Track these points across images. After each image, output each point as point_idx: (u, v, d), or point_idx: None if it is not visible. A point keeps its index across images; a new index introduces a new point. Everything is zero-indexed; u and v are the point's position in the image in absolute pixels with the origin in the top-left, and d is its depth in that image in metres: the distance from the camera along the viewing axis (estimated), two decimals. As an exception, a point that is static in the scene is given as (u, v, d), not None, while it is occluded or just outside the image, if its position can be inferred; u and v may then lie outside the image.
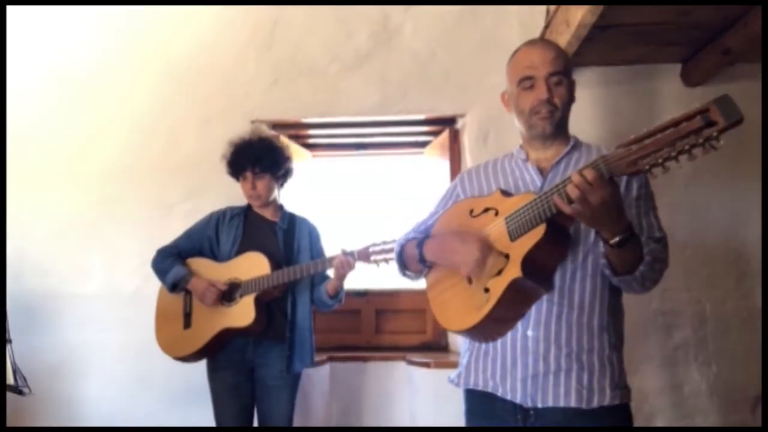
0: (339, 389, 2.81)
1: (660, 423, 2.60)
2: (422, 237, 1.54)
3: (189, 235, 2.38)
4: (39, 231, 2.92)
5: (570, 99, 1.46)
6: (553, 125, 1.44)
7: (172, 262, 2.28)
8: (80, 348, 2.83)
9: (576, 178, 1.12)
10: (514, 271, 1.25)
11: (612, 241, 1.21)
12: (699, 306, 2.66)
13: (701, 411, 2.62)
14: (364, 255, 2.19)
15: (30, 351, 2.42)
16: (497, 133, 2.78)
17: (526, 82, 1.44)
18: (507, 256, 1.28)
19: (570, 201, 1.15)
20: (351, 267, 2.19)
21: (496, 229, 1.34)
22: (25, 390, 1.88)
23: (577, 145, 1.50)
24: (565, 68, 1.44)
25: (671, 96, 2.71)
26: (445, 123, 2.99)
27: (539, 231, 1.23)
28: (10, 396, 1.87)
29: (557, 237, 1.27)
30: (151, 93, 2.95)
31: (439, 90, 2.86)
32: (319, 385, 2.73)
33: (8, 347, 1.86)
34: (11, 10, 2.94)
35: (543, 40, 1.51)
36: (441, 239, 1.48)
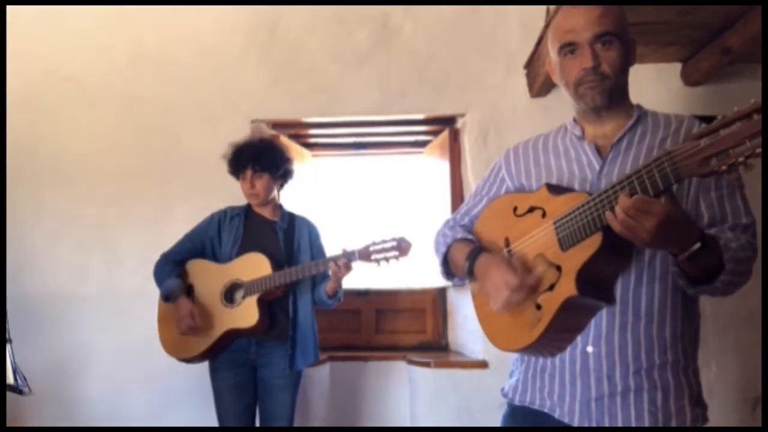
0: (339, 389, 2.81)
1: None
2: (475, 249, 1.30)
3: (190, 237, 2.38)
4: (39, 231, 2.92)
5: (625, 63, 1.23)
6: (604, 96, 1.21)
7: (170, 271, 2.29)
8: (80, 348, 2.83)
9: (623, 203, 0.96)
10: (567, 289, 1.08)
11: (681, 257, 1.03)
12: (699, 306, 2.66)
13: (701, 411, 2.62)
14: (365, 254, 2.19)
15: (30, 351, 2.42)
16: (497, 133, 2.78)
17: (567, 48, 1.22)
18: (558, 268, 1.11)
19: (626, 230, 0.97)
20: (347, 269, 2.19)
21: (544, 235, 1.16)
22: (25, 390, 1.87)
23: (642, 116, 1.26)
24: (615, 27, 1.21)
25: (671, 96, 2.71)
26: (445, 123, 2.99)
27: (594, 241, 1.05)
28: (10, 396, 1.87)
29: (617, 245, 1.06)
30: (151, 93, 2.95)
31: (439, 90, 2.86)
32: (319, 384, 2.73)
33: (8, 347, 1.85)
34: (11, 10, 2.94)
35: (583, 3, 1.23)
36: (486, 264, 1.24)
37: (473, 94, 2.83)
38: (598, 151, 1.25)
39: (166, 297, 2.27)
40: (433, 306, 3.02)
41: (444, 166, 2.97)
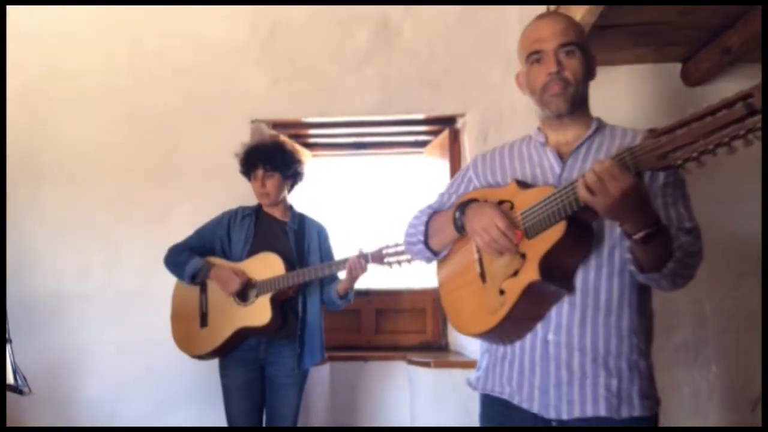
0: (339, 389, 2.81)
1: (660, 423, 2.60)
2: (466, 200, 1.36)
3: (200, 234, 2.39)
4: (39, 231, 2.92)
5: (586, 73, 1.33)
6: (567, 102, 1.31)
7: (189, 255, 2.30)
8: (80, 348, 2.83)
9: (597, 166, 1.03)
10: (531, 274, 1.15)
11: (636, 236, 1.10)
12: (699, 306, 2.66)
13: (701, 411, 2.62)
14: (378, 257, 2.22)
15: (30, 351, 2.42)
16: (497, 133, 2.78)
17: (534, 57, 1.33)
18: (523, 256, 1.18)
19: (591, 191, 1.05)
20: (363, 270, 2.23)
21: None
22: (25, 390, 1.87)
23: (600, 127, 1.36)
24: (578, 39, 1.33)
25: (671, 96, 2.71)
26: (445, 123, 2.99)
27: (559, 229, 1.13)
28: (10, 396, 1.87)
29: (579, 235, 1.16)
30: (151, 93, 2.95)
31: (439, 90, 2.86)
32: (319, 384, 2.73)
33: (8, 347, 1.85)
34: (11, 10, 2.94)
35: (553, 12, 1.40)
36: (480, 206, 1.30)
37: (473, 94, 2.83)
38: (560, 156, 1.35)
39: (193, 276, 2.27)
40: (433, 306, 3.02)
41: (444, 166, 2.97)
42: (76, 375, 2.83)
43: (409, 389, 2.76)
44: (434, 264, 1.53)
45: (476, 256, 1.32)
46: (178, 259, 2.32)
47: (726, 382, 2.63)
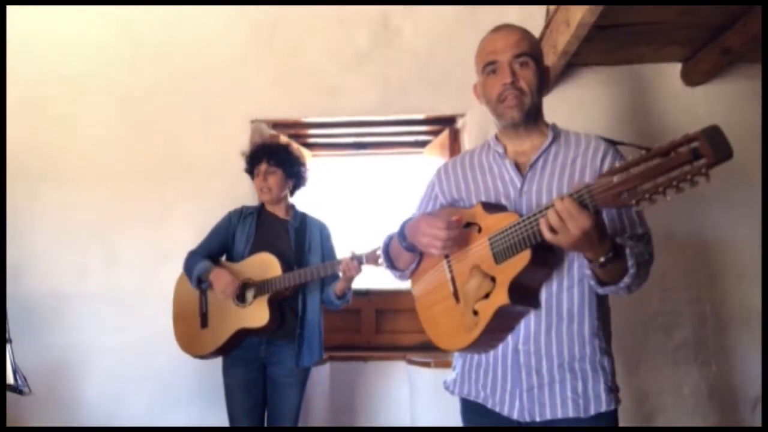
0: (339, 389, 2.81)
1: (660, 423, 2.60)
2: (403, 222, 1.49)
3: (216, 233, 2.40)
4: (39, 231, 2.92)
5: (540, 83, 1.38)
6: (522, 113, 1.36)
7: (200, 259, 2.31)
8: (80, 348, 2.83)
9: (558, 204, 1.10)
10: (501, 298, 1.24)
11: (595, 262, 1.19)
12: (699, 306, 2.66)
13: (701, 411, 2.62)
14: (372, 258, 2.23)
15: (30, 351, 2.42)
16: (497, 133, 2.78)
17: (489, 68, 1.38)
18: (493, 279, 1.27)
19: (553, 231, 1.12)
20: (357, 271, 2.24)
21: (480, 249, 1.32)
22: (25, 390, 1.87)
23: (556, 137, 1.41)
24: (531, 50, 1.37)
25: (671, 96, 2.71)
26: (445, 123, 2.99)
27: (524, 257, 1.22)
28: (10, 396, 1.87)
29: (543, 259, 1.25)
30: (151, 93, 2.95)
31: (439, 90, 2.86)
32: (319, 384, 2.73)
33: (8, 347, 1.85)
34: (11, 10, 2.94)
35: (508, 25, 1.41)
36: (415, 220, 1.41)
37: (473, 94, 2.82)
38: (518, 168, 1.41)
39: (199, 280, 2.27)
40: (433, 306, 3.01)
41: (444, 166, 2.96)
42: (76, 375, 2.83)
43: (408, 389, 2.76)
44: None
45: (449, 276, 1.40)
46: (190, 262, 2.32)
47: (726, 382, 2.63)
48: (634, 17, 2.23)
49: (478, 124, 2.82)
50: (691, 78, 2.68)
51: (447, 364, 2.65)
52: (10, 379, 1.84)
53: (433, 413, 2.61)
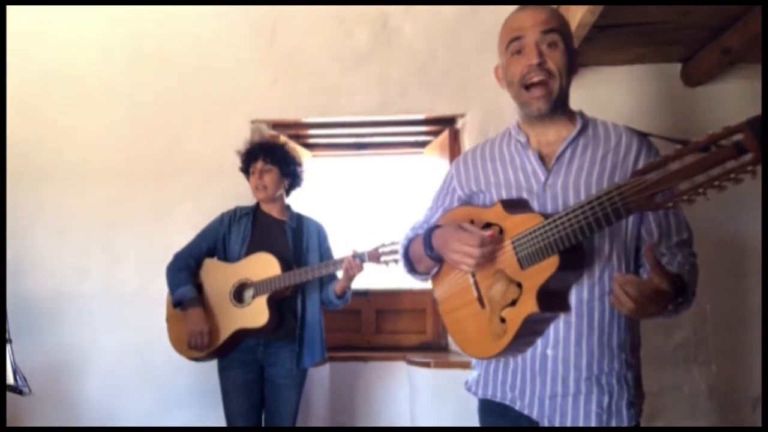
0: (339, 389, 2.81)
1: (660, 423, 2.60)
2: (428, 229, 1.38)
3: (204, 236, 2.38)
4: (39, 231, 2.92)
5: (569, 67, 1.26)
6: (549, 103, 1.25)
7: (186, 277, 2.27)
8: (80, 348, 2.83)
9: (628, 290, 1.06)
10: (530, 306, 1.17)
11: (666, 313, 1.15)
12: (699, 306, 2.66)
13: (701, 411, 2.62)
14: (374, 256, 2.22)
15: (30, 351, 2.42)
16: (497, 133, 2.77)
17: (514, 45, 1.26)
18: (519, 285, 1.20)
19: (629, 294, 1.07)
20: (359, 269, 2.23)
21: (503, 252, 1.24)
22: (25, 390, 1.87)
23: (584, 127, 1.30)
24: (562, 28, 1.25)
25: (671, 96, 2.71)
26: (445, 123, 2.99)
27: (552, 263, 1.13)
28: (10, 396, 1.87)
29: (572, 262, 1.16)
30: (151, 93, 2.95)
31: (439, 90, 2.86)
32: (319, 384, 2.73)
33: (8, 347, 1.85)
34: (11, 10, 2.94)
35: (535, 6, 1.28)
36: (443, 231, 1.32)
37: (473, 94, 2.83)
38: (543, 159, 1.30)
39: (177, 303, 2.25)
40: (433, 306, 3.01)
41: (444, 166, 2.96)
42: (76, 375, 2.83)
43: (409, 389, 2.76)
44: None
45: (471, 280, 1.33)
46: (174, 277, 2.28)
47: (726, 382, 2.63)
48: (634, 17, 2.23)
49: (478, 125, 2.82)
50: (691, 78, 2.68)
51: (447, 364, 2.67)
52: (10, 379, 1.84)
53: (433, 413, 2.61)
